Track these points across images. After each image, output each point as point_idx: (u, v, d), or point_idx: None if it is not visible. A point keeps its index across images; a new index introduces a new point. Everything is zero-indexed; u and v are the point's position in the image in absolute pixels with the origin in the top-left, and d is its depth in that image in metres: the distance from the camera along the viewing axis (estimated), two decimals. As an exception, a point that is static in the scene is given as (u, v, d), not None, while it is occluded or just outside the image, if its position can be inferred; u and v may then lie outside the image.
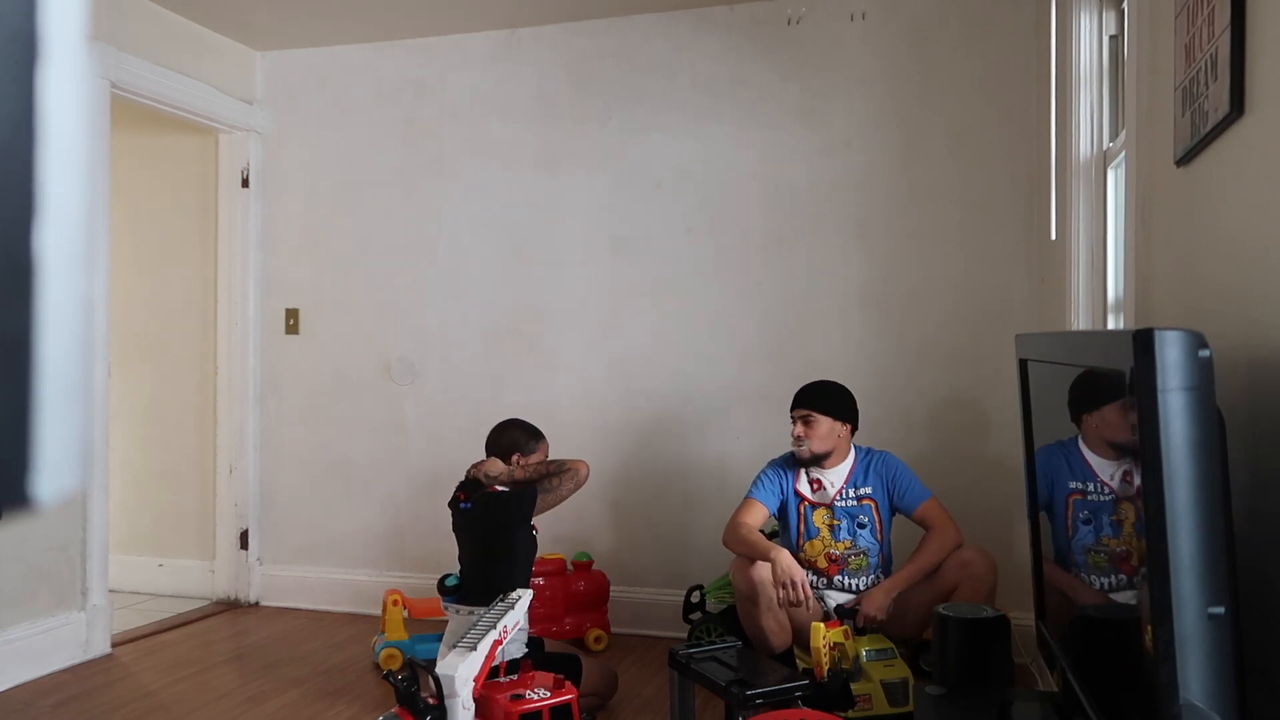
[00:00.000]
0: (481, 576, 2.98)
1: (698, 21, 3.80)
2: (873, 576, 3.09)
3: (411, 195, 4.12)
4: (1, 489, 0.30)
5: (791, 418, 3.15)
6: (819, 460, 3.11)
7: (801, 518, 3.13)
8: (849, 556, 3.10)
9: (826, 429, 3.09)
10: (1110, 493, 1.42)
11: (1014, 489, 3.33)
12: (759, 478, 3.19)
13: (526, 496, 3.01)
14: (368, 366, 4.17)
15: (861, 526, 3.10)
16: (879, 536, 3.11)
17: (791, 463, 3.17)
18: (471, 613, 2.85)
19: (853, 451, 3.16)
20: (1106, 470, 1.45)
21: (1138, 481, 1.19)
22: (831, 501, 3.11)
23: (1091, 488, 1.54)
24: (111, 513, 3.74)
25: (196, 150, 4.33)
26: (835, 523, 3.10)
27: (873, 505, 3.11)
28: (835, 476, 3.13)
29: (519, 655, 2.75)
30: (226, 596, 4.26)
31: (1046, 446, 1.80)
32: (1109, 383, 1.39)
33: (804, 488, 3.15)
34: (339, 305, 4.21)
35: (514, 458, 3.15)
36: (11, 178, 0.30)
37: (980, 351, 3.51)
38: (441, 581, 3.08)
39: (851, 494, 3.12)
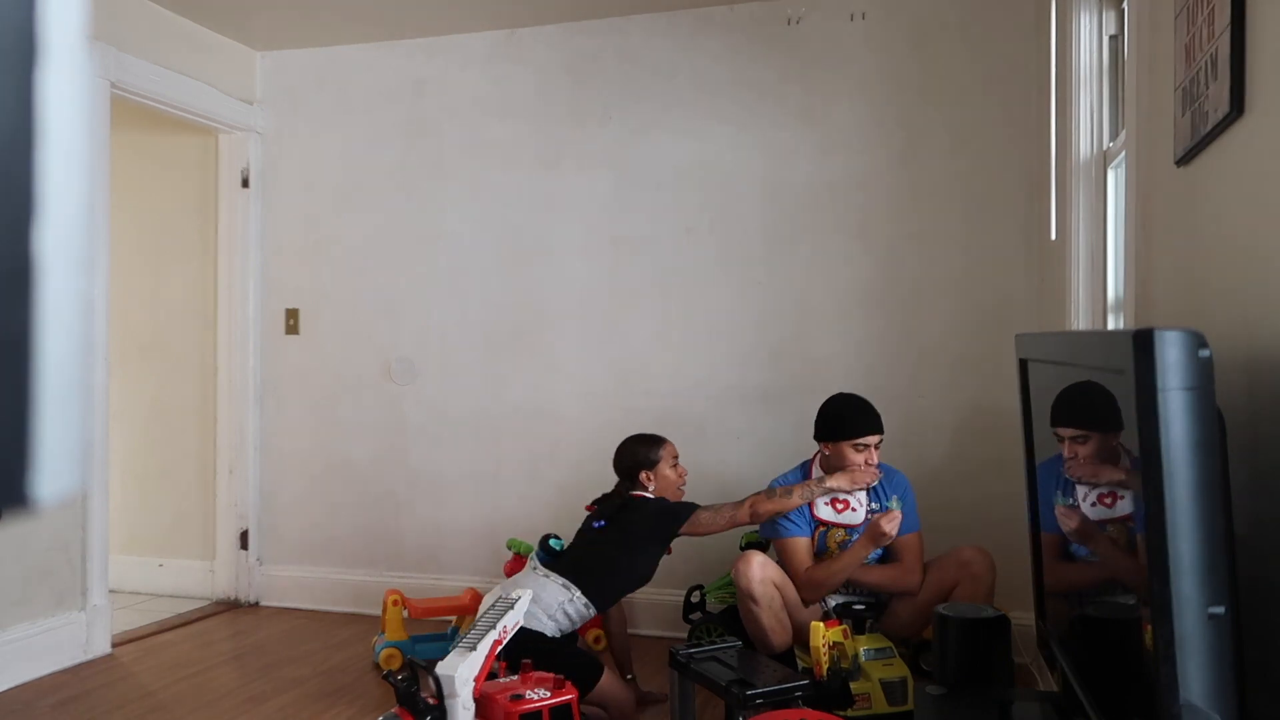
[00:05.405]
0: (580, 567, 2.91)
1: (698, 21, 3.80)
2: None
3: (411, 195, 4.12)
4: (1, 489, 0.30)
5: (859, 446, 3.04)
6: None
7: (815, 541, 3.12)
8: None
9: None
10: (1087, 512, 1.43)
11: (1014, 489, 3.33)
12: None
13: (673, 512, 2.94)
14: (368, 367, 4.17)
15: None
16: (881, 548, 3.11)
17: (803, 482, 3.15)
18: (547, 576, 2.85)
19: None
20: (1081, 492, 1.47)
21: (1119, 507, 1.19)
22: (862, 523, 3.09)
23: (1070, 501, 1.56)
24: (111, 513, 3.74)
25: (196, 150, 4.33)
26: (846, 538, 3.09)
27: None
28: (860, 494, 3.11)
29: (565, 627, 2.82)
30: (226, 596, 4.26)
31: (1050, 459, 1.81)
32: (1088, 409, 1.39)
33: (824, 510, 3.10)
34: (339, 305, 4.21)
35: (642, 476, 3.06)
36: (11, 178, 0.30)
37: (980, 351, 3.51)
38: (545, 538, 3.06)
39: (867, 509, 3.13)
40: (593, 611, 2.88)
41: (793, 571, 3.04)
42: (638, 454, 3.10)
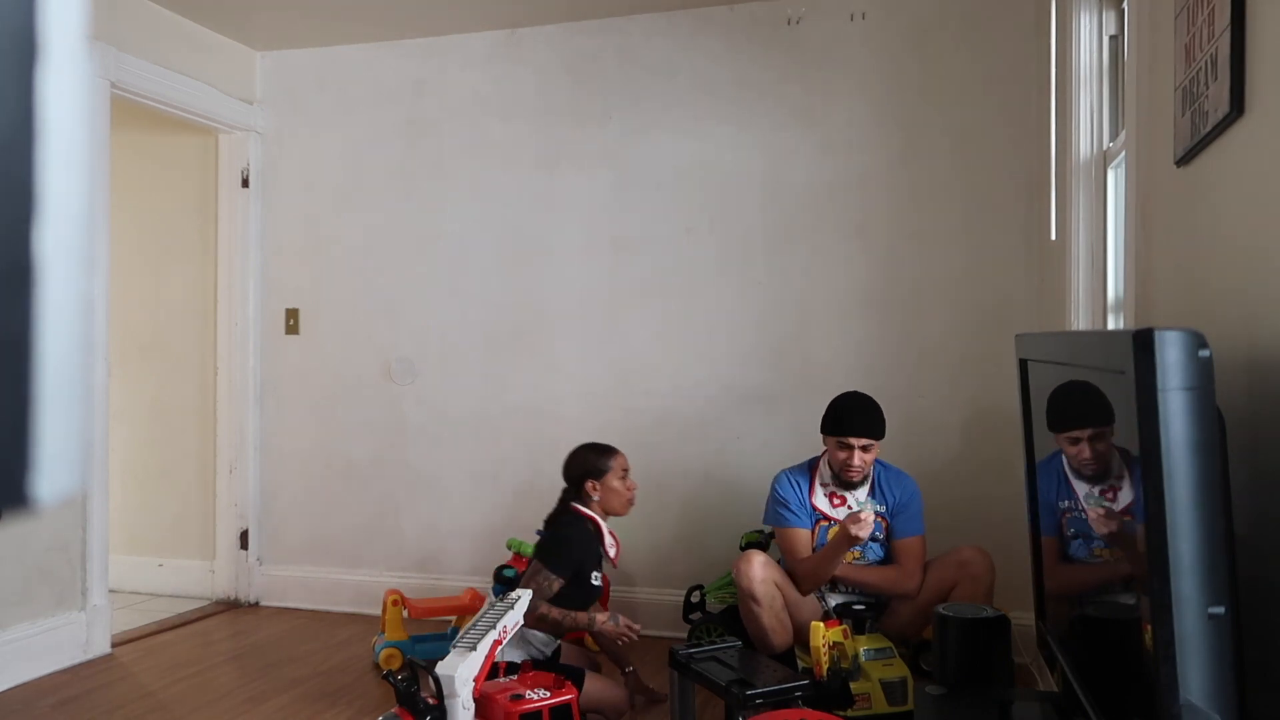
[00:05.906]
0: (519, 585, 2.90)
1: (698, 21, 3.80)
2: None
3: (411, 195, 4.12)
4: (1, 489, 0.30)
5: (844, 444, 3.03)
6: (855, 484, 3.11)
7: (816, 534, 3.12)
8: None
9: (875, 453, 3.08)
10: (1089, 512, 1.43)
11: (1014, 489, 3.33)
12: (781, 501, 3.11)
13: (544, 564, 2.85)
14: (368, 367, 4.17)
15: (874, 539, 3.10)
16: (883, 549, 3.12)
17: (806, 476, 3.15)
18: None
19: (871, 467, 3.14)
20: (1083, 489, 1.47)
21: (1121, 500, 1.19)
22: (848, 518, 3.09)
23: (1071, 505, 1.56)
24: (111, 513, 3.74)
25: (196, 150, 4.33)
26: None
27: (883, 522, 3.12)
28: (860, 493, 3.11)
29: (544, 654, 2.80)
30: (226, 596, 4.26)
31: (1049, 459, 1.81)
32: (1085, 407, 1.40)
33: (822, 503, 3.11)
34: (339, 305, 4.21)
35: (588, 485, 2.99)
36: (11, 178, 0.30)
37: (980, 351, 3.51)
38: (499, 569, 3.05)
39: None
40: (525, 597, 2.74)
41: (787, 561, 3.08)
42: (587, 461, 3.01)
